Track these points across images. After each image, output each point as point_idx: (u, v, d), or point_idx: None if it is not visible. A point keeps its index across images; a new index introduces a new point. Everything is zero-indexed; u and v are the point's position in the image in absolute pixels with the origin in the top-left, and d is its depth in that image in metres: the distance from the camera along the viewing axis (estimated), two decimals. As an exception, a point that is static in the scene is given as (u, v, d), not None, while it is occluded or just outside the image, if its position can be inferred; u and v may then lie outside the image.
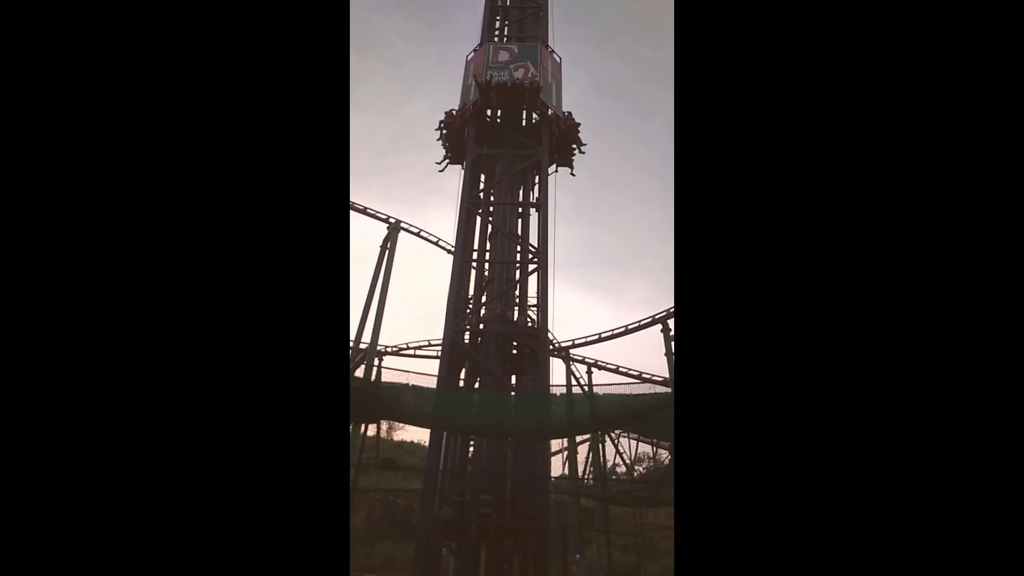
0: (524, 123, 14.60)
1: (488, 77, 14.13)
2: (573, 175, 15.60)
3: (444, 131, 15.02)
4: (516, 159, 14.23)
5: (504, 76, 14.23)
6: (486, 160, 14.52)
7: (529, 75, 14.19)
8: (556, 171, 15.01)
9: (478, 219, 13.96)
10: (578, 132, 15.20)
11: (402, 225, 19.21)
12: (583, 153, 15.37)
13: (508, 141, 14.31)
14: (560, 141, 14.82)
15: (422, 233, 19.94)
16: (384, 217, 19.13)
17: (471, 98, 14.53)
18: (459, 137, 14.86)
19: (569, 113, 15.21)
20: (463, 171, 14.11)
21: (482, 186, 14.49)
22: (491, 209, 14.14)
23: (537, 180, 14.08)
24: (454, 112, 15.20)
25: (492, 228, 13.81)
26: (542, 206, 13.28)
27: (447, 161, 15.41)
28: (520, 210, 14.18)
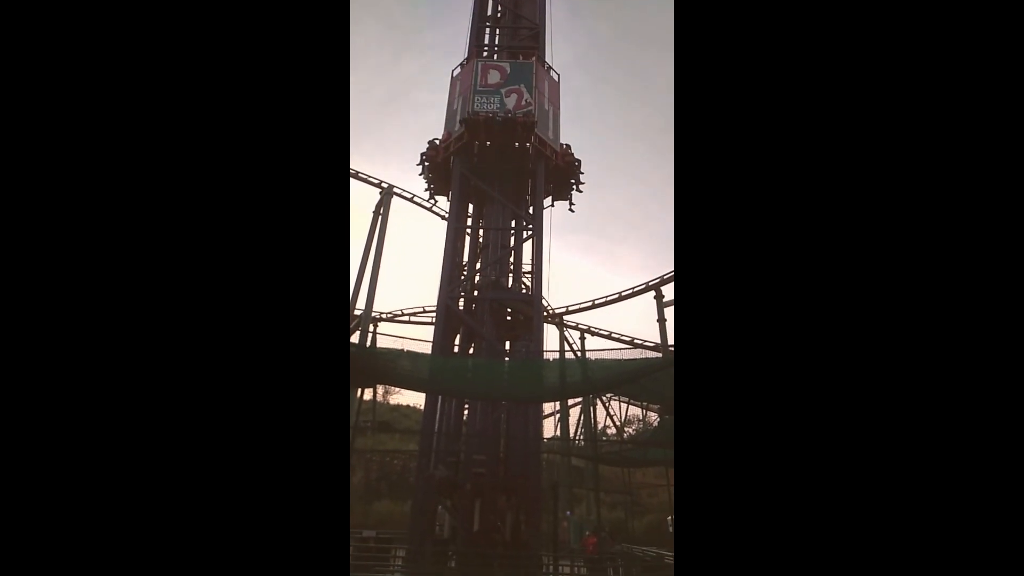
0: (517, 146, 12.71)
1: (476, 106, 12.20)
2: (572, 211, 13.88)
3: (426, 164, 13.26)
4: (508, 194, 12.74)
5: (495, 105, 12.24)
6: (475, 196, 13.08)
7: (523, 103, 12.28)
8: (552, 206, 13.47)
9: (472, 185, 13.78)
10: (579, 169, 13.45)
11: (395, 190, 19.01)
12: (580, 192, 13.66)
13: (497, 181, 12.60)
14: (558, 175, 13.19)
15: (416, 199, 19.75)
16: (376, 182, 18.90)
17: (456, 127, 12.65)
18: (444, 169, 13.19)
19: (567, 146, 13.51)
20: (450, 202, 12.60)
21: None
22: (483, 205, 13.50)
23: (532, 210, 12.67)
24: (437, 142, 13.26)
25: (487, 194, 13.69)
26: (537, 199, 12.82)
27: (431, 194, 13.99)
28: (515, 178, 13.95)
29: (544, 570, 9.39)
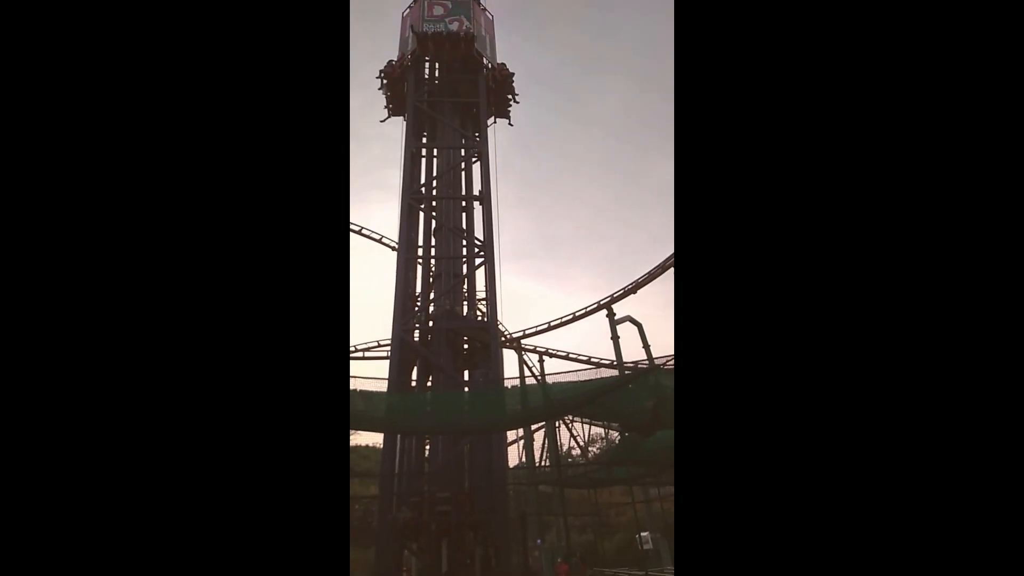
0: (460, 73, 15.25)
1: (424, 29, 14.89)
2: (511, 125, 16.45)
3: (384, 80, 15.56)
4: (456, 114, 14.84)
5: (440, 27, 14.99)
6: (427, 117, 15.04)
7: (463, 27, 15.04)
8: (495, 122, 15.85)
9: (421, 215, 13.73)
10: (512, 82, 15.98)
11: (341, 223, 18.56)
12: (517, 103, 16.28)
13: (447, 94, 14.95)
14: (496, 93, 15.65)
15: (364, 231, 19.39)
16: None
17: (408, 48, 15.22)
18: (399, 89, 15.45)
19: (503, 64, 15.98)
20: (405, 123, 14.49)
21: (423, 180, 14.22)
22: (434, 204, 13.93)
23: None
24: (393, 63, 15.71)
25: (436, 223, 13.63)
26: (485, 199, 13.25)
27: (389, 113, 15.86)
28: (464, 204, 14.05)
29: (518, 606, 9.04)
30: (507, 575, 9.56)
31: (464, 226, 13.74)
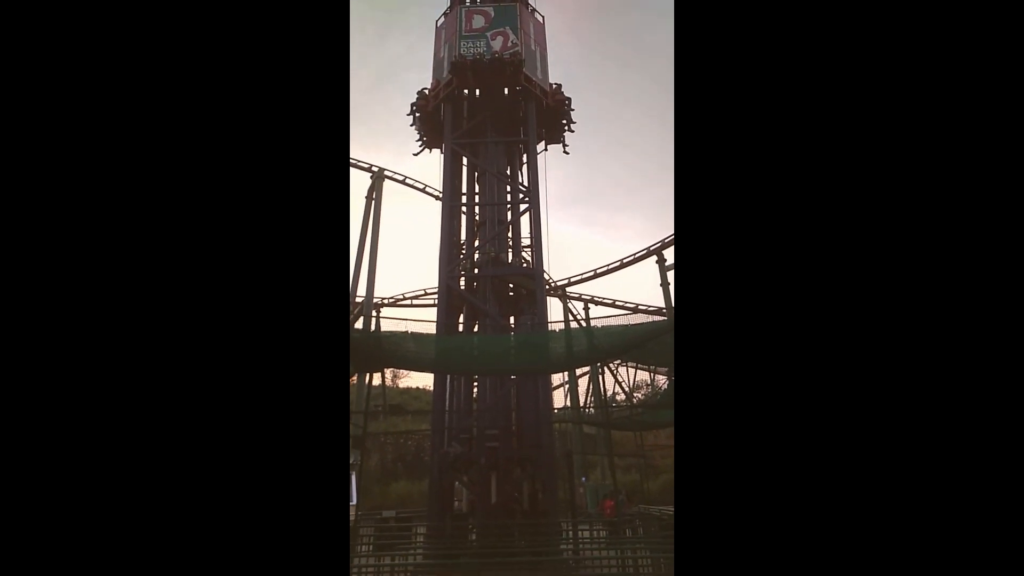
0: (506, 92, 12.76)
1: (462, 51, 12.12)
2: (567, 152, 13.90)
3: (417, 115, 13.20)
4: (499, 144, 12.67)
5: (480, 48, 12.21)
6: (467, 147, 12.93)
7: (509, 44, 12.19)
8: (546, 150, 13.56)
9: (464, 162, 13.56)
10: (569, 108, 13.34)
11: (386, 173, 18.73)
12: (572, 132, 13.64)
13: (490, 125, 12.50)
14: (549, 116, 13.11)
15: (408, 180, 19.50)
16: (367, 166, 18.61)
17: (444, 75, 12.57)
18: (434, 119, 13.01)
19: (558, 86, 13.38)
20: (443, 156, 12.50)
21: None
22: (477, 150, 13.59)
23: (525, 160, 12.64)
24: (427, 92, 13.18)
25: (480, 170, 13.46)
26: (531, 150, 12.80)
27: (423, 147, 13.82)
28: (508, 150, 13.70)
29: (564, 536, 9.57)
30: (554, 509, 10.06)
31: (508, 171, 13.49)
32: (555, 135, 13.72)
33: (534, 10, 13.90)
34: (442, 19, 13.99)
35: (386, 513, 11.72)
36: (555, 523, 9.76)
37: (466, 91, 12.78)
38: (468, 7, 13.32)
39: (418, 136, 13.84)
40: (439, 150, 13.31)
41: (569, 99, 13.54)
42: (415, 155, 13.95)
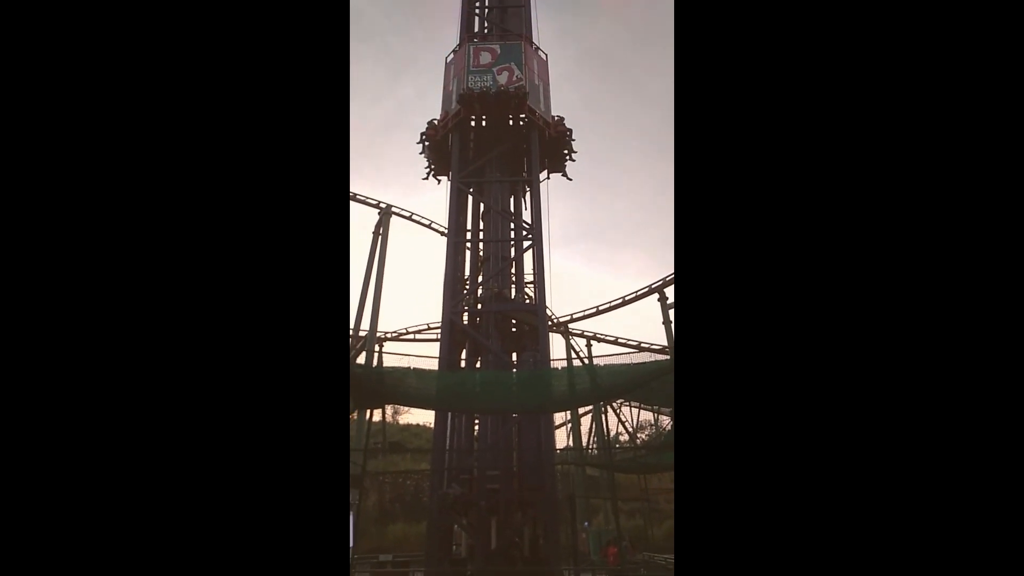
0: (511, 123, 13.63)
1: (470, 84, 13.10)
2: (570, 179, 14.54)
3: (426, 143, 13.90)
4: (505, 173, 13.42)
5: (487, 81, 13.17)
6: (474, 174, 13.51)
7: (514, 79, 13.17)
8: (548, 178, 14.20)
9: (470, 198, 13.84)
10: (570, 139, 14.10)
11: (393, 209, 19.06)
12: (573, 161, 14.28)
13: (495, 163, 13.24)
14: (551, 147, 13.86)
15: (414, 216, 19.81)
16: (375, 203, 18.96)
17: (453, 107, 13.50)
18: (442, 149, 13.82)
19: (560, 118, 14.12)
20: (448, 193, 13.05)
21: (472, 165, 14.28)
22: (482, 187, 13.97)
23: (528, 193, 13.31)
24: (436, 123, 13.98)
25: (484, 207, 13.70)
26: (534, 182, 13.15)
27: (430, 174, 14.39)
28: (512, 187, 14.02)
29: (566, 584, 9.16)
30: (555, 555, 9.68)
31: (512, 209, 13.72)
32: (557, 164, 14.40)
33: (538, 48, 14.85)
34: (451, 56, 14.84)
35: (383, 557, 11.31)
36: (557, 570, 9.37)
37: (472, 122, 13.58)
38: (476, 44, 14.22)
39: (427, 163, 14.55)
40: (447, 178, 13.90)
41: (570, 130, 14.24)
42: (424, 179, 14.64)
